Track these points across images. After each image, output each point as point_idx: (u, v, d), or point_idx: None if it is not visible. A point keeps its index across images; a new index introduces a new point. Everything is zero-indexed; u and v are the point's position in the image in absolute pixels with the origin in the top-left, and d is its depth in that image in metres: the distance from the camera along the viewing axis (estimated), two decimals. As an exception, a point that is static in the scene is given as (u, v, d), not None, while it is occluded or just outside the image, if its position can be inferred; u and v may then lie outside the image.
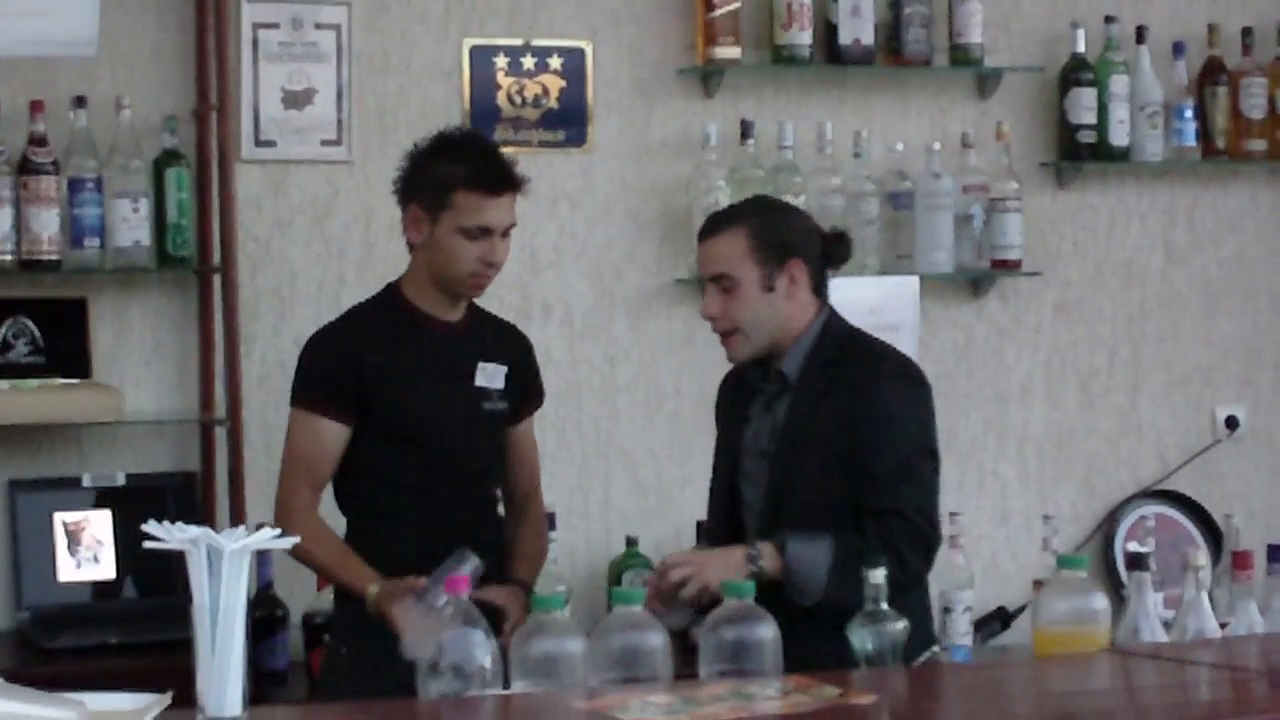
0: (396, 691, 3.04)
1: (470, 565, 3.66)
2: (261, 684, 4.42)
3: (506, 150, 4.10)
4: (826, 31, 5.16)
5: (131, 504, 4.58)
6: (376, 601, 3.79)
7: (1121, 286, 5.55)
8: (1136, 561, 3.39)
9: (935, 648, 3.54)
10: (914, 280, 5.12)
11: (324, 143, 4.89)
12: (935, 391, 3.83)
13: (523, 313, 4.80)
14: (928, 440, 3.74)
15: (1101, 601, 3.23)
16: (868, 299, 4.85)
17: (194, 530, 2.67)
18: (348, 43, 4.90)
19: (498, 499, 4.12)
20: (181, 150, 4.69)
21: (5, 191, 4.52)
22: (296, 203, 4.89)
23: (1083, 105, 5.35)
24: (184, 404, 4.77)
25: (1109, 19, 5.40)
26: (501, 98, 5.03)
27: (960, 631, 4.69)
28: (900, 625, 3.08)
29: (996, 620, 5.00)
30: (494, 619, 3.43)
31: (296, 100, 4.86)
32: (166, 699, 2.74)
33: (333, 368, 3.95)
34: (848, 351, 3.76)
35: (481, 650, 2.86)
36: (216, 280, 4.69)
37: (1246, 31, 5.53)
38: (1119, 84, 5.37)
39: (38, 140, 4.55)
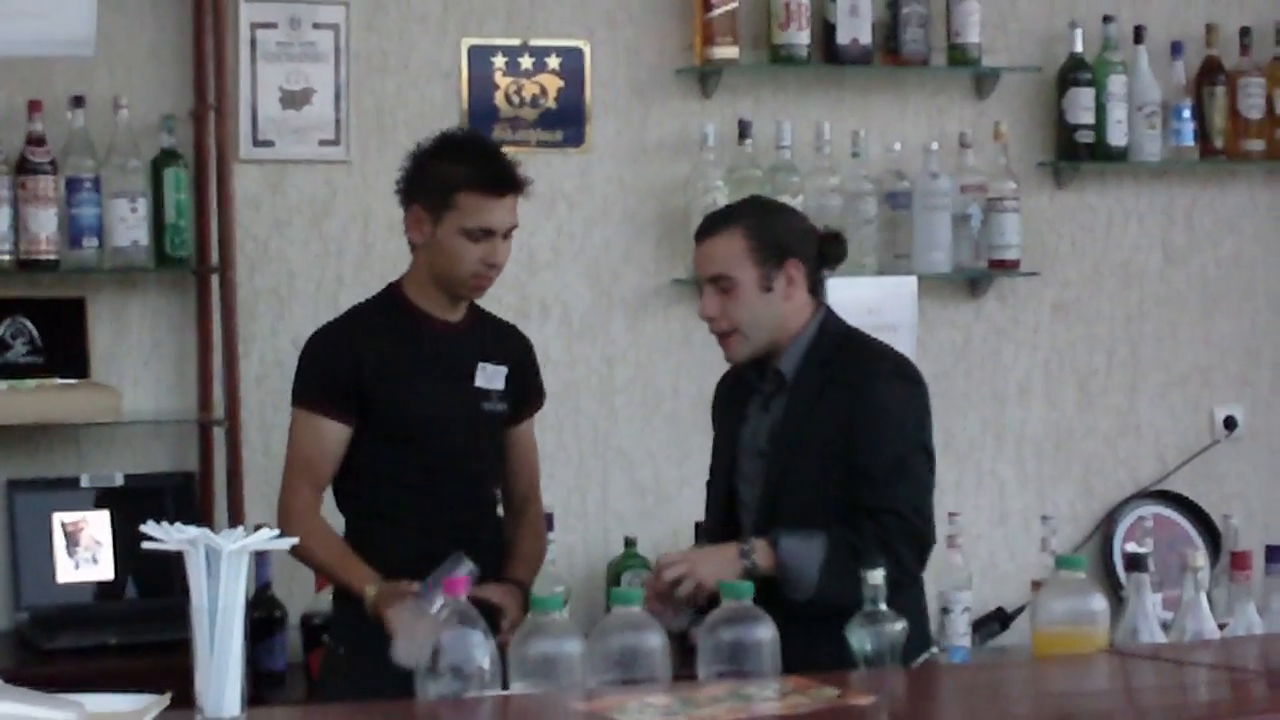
0: (395, 692, 3.04)
1: (465, 568, 3.65)
2: (260, 685, 4.42)
3: (505, 151, 4.09)
4: (824, 31, 5.16)
5: (130, 504, 4.59)
6: (374, 603, 3.79)
7: (1120, 286, 5.55)
8: (1135, 562, 3.40)
9: (934, 649, 3.54)
10: (912, 280, 5.12)
11: (322, 143, 4.89)
12: (933, 392, 3.83)
13: (520, 313, 4.80)
14: (923, 439, 3.75)
15: (1100, 602, 3.24)
16: (866, 299, 4.85)
17: (192, 531, 2.67)
18: (346, 43, 4.90)
19: (497, 499, 4.12)
20: (179, 150, 4.69)
21: (3, 191, 4.52)
22: (295, 203, 4.89)
23: (1081, 105, 5.35)
24: (182, 404, 4.77)
25: (1107, 19, 5.40)
26: (499, 98, 5.03)
27: (959, 632, 4.69)
28: (899, 626, 3.08)
29: (995, 621, 5.01)
30: (491, 618, 3.43)
31: (294, 100, 4.86)
32: (165, 700, 2.74)
33: (333, 367, 3.95)
34: (845, 351, 3.77)
35: (480, 651, 2.86)
36: (215, 280, 4.69)
37: (1244, 31, 5.53)
38: (1117, 84, 5.37)
39: (36, 140, 4.55)
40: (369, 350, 3.94)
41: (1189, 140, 5.44)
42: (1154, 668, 3.15)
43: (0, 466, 4.65)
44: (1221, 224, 5.63)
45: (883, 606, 3.09)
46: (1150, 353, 5.58)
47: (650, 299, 5.15)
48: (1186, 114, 5.42)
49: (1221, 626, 3.39)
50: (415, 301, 4.00)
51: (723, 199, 4.84)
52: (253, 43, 4.82)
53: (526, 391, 4.13)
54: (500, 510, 4.13)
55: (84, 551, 4.61)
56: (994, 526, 5.43)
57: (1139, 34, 5.43)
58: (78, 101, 4.60)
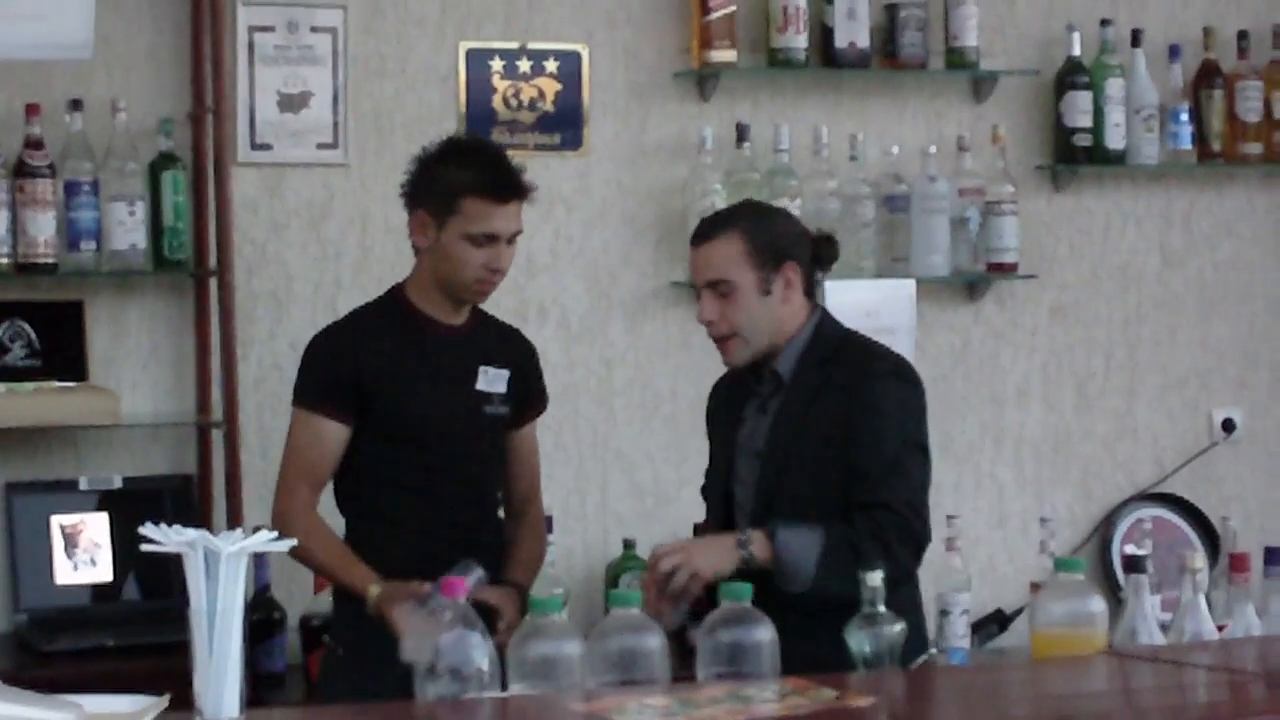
0: (394, 693, 3.05)
1: (474, 576, 3.66)
2: (259, 686, 4.42)
3: (509, 156, 4.09)
4: (822, 35, 5.16)
5: (128, 507, 4.58)
6: (377, 603, 3.79)
7: (1117, 289, 5.56)
8: (1134, 564, 3.40)
9: (932, 650, 3.54)
10: (910, 283, 5.12)
11: (320, 146, 4.89)
12: (932, 395, 3.84)
13: (519, 316, 4.79)
14: (920, 439, 3.76)
15: (1099, 604, 3.24)
16: (864, 302, 4.85)
17: (191, 533, 2.67)
18: (343, 46, 4.90)
19: (499, 502, 4.12)
20: (177, 153, 4.69)
21: (1, 195, 4.52)
22: (292, 206, 4.89)
23: (1078, 108, 5.35)
24: (180, 407, 4.77)
25: (1104, 22, 5.40)
26: (497, 101, 5.03)
27: (958, 634, 4.68)
28: (898, 627, 3.09)
29: (994, 623, 5.00)
30: (489, 619, 3.43)
31: (292, 103, 4.86)
32: (164, 701, 2.74)
33: (334, 368, 3.95)
34: (843, 351, 3.77)
35: (479, 652, 2.86)
36: (213, 283, 4.69)
37: (1242, 35, 5.53)
38: (1114, 87, 5.37)
39: (33, 143, 4.54)
40: (371, 352, 3.94)
41: (1187, 143, 5.44)
42: (1153, 669, 3.15)
43: (-1, 469, 4.66)
44: (1219, 227, 5.64)
45: (881, 608, 3.09)
46: (1148, 355, 5.58)
47: (649, 301, 5.15)
48: (1184, 117, 5.42)
49: (1220, 628, 3.39)
50: (418, 305, 4.00)
51: (721, 202, 4.84)
52: (250, 46, 4.82)
53: (529, 395, 4.13)
54: (501, 513, 4.14)
55: (82, 554, 4.61)
56: (993, 529, 5.43)
57: (1136, 37, 5.43)
58: (76, 105, 4.60)
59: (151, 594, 4.61)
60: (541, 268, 5.05)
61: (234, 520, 4.53)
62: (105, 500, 4.64)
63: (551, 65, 5.07)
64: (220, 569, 2.64)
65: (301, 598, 4.66)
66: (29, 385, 4.54)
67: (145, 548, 2.69)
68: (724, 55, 5.08)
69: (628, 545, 4.95)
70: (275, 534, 2.72)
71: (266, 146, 4.84)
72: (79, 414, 4.54)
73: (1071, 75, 5.36)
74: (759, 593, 3.05)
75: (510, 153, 4.19)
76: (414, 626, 3.57)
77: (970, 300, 5.41)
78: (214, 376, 4.71)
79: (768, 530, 3.62)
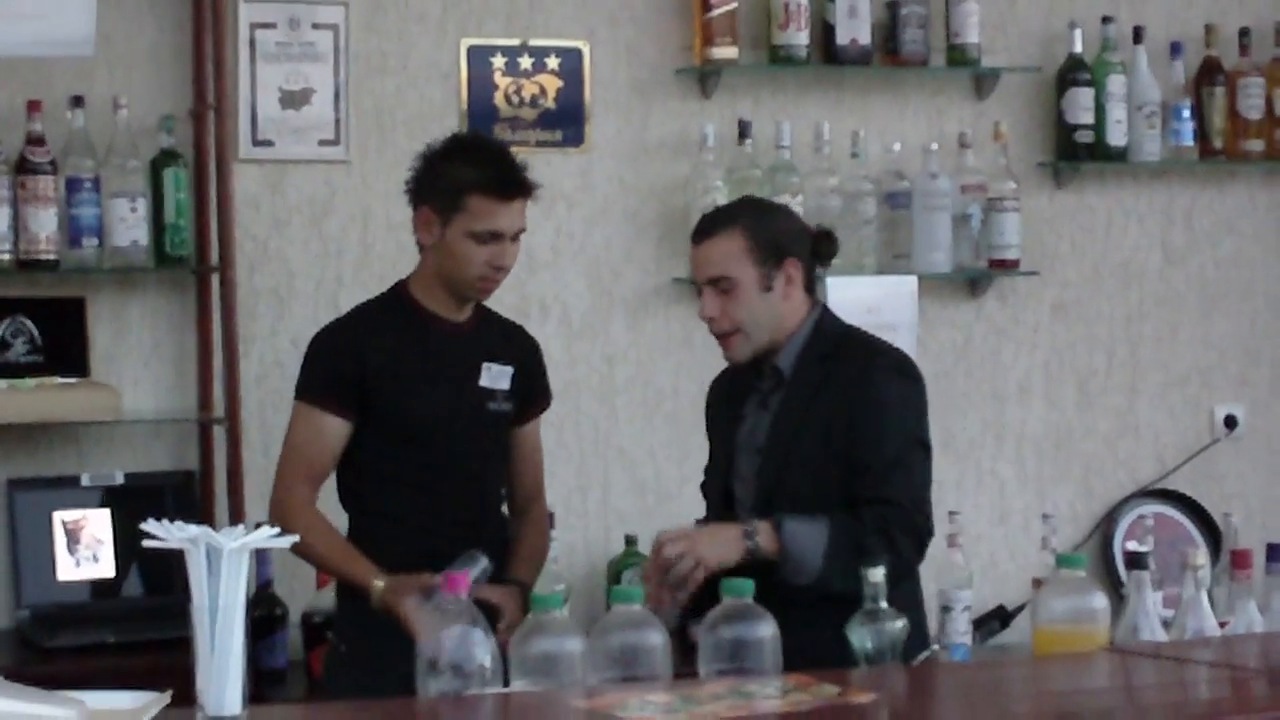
0: (397, 689, 3.04)
1: (480, 567, 3.66)
2: (261, 683, 4.42)
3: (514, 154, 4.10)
4: (823, 32, 5.16)
5: (130, 503, 4.59)
6: (383, 596, 3.78)
7: (1119, 286, 5.56)
8: (1135, 561, 3.39)
9: (934, 646, 3.54)
10: (912, 280, 5.12)
11: (321, 142, 4.89)
12: (933, 391, 3.84)
13: (521, 312, 4.79)
14: (922, 434, 3.75)
15: (1101, 601, 3.23)
16: (865, 299, 4.85)
17: (193, 529, 2.67)
18: (345, 43, 4.90)
19: (502, 499, 4.12)
20: (179, 150, 4.69)
21: (3, 191, 4.52)
22: (294, 202, 4.89)
23: (1080, 105, 5.35)
24: (182, 403, 4.77)
25: (1106, 19, 5.40)
26: (499, 98, 5.03)
27: (959, 631, 4.67)
28: (900, 624, 3.09)
29: (995, 619, 5.00)
30: (490, 618, 3.43)
31: (294, 100, 4.86)
32: (166, 698, 2.74)
33: (338, 364, 3.95)
34: (844, 347, 3.77)
35: (481, 649, 2.86)
36: (214, 280, 4.69)
37: (1244, 32, 5.53)
38: (1116, 84, 5.37)
39: (35, 140, 4.55)
40: (374, 348, 3.94)
41: (1188, 140, 5.44)
42: (1154, 666, 3.15)
43: (1, 465, 4.65)
44: (1221, 224, 5.64)
45: (883, 604, 3.10)
46: (1150, 352, 5.58)
47: (650, 298, 5.15)
48: (1186, 114, 5.42)
49: (1222, 625, 3.39)
50: (421, 301, 4.00)
51: (722, 199, 4.84)
52: (252, 43, 4.82)
53: (532, 392, 4.13)
54: (505, 509, 4.13)
55: (84, 550, 4.62)
56: (994, 525, 5.43)
57: (1138, 34, 5.43)
58: (77, 101, 4.61)
59: (153, 590, 4.61)
60: (543, 264, 5.05)
61: (236, 516, 4.53)
62: (107, 496, 4.64)
63: (553, 62, 5.07)
64: (222, 565, 2.64)
65: (303, 594, 4.66)
66: (31, 381, 4.54)
67: (147, 544, 2.69)
68: (725, 52, 5.08)
69: (629, 542, 4.95)
70: (277, 530, 2.72)
71: (268, 143, 4.85)
72: (81, 410, 4.54)
73: (1073, 72, 5.36)
74: (760, 588, 3.05)
75: (512, 150, 4.19)
76: (430, 624, 3.56)
77: (972, 297, 5.41)
78: (216, 373, 4.71)
79: (774, 521, 3.61)
